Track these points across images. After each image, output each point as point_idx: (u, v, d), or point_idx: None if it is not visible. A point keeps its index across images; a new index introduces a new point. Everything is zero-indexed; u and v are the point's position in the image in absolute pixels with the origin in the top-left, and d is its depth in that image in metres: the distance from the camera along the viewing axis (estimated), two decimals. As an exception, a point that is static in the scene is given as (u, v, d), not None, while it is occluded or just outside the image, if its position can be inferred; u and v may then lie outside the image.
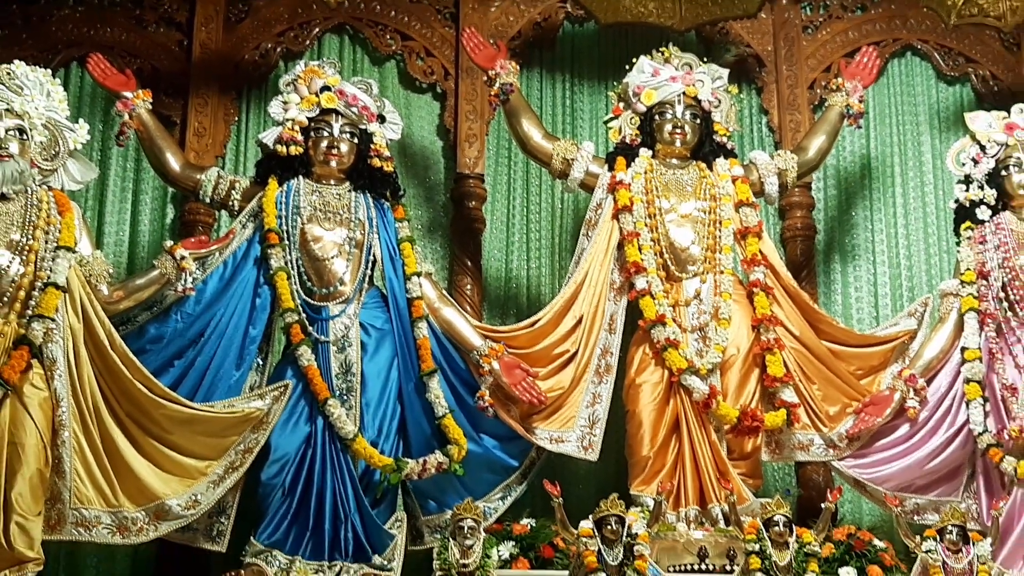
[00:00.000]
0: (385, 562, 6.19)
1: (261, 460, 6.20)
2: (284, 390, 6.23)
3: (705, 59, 7.29)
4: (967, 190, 7.09)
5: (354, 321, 6.48)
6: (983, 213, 7.02)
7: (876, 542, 6.52)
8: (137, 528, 5.92)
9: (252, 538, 6.17)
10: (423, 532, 6.53)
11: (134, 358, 6.00)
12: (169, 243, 6.31)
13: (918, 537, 5.85)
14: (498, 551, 6.09)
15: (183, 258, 6.20)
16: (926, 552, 5.74)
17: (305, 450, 6.25)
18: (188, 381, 6.20)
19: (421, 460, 6.37)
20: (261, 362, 6.46)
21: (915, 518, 6.62)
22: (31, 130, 6.11)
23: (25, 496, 5.65)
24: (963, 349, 6.83)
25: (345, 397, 6.35)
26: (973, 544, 5.74)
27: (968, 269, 6.94)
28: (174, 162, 6.76)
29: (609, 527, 5.56)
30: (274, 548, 6.13)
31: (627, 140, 7.07)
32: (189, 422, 6.05)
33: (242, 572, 6.09)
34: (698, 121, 7.05)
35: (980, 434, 6.65)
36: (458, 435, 6.43)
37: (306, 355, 6.31)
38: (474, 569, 5.51)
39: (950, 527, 5.76)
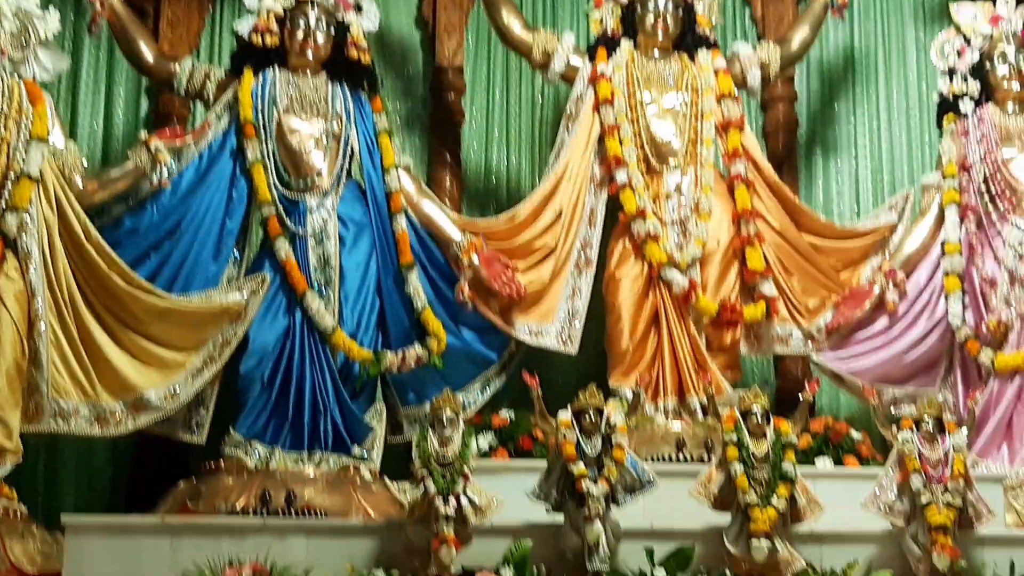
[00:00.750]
0: (364, 453, 6.26)
1: (240, 353, 6.20)
2: (262, 283, 6.21)
3: (688, -52, 7.18)
4: (951, 83, 7.04)
5: (332, 214, 6.45)
6: (966, 106, 6.98)
7: (853, 433, 6.59)
8: (115, 420, 5.94)
9: (231, 429, 6.21)
10: (402, 424, 6.58)
11: (110, 250, 5.97)
12: (143, 135, 6.24)
13: (894, 428, 5.86)
14: (477, 442, 6.12)
15: (158, 150, 6.13)
16: (902, 442, 5.73)
17: (284, 343, 6.26)
18: (165, 273, 6.18)
19: (400, 353, 6.40)
20: (238, 255, 6.44)
21: (892, 409, 6.63)
22: (0, 19, 5.99)
23: (2, 388, 5.65)
24: (943, 242, 6.84)
25: (323, 290, 6.35)
26: (949, 435, 5.74)
27: (950, 162, 6.91)
28: (147, 53, 6.65)
29: (588, 418, 5.56)
30: (253, 439, 6.18)
31: (609, 32, 6.97)
32: (166, 314, 6.05)
33: (221, 463, 6.13)
34: (680, 12, 6.93)
35: (958, 327, 6.70)
36: (437, 328, 6.46)
37: (284, 248, 6.30)
38: (453, 460, 5.47)
39: (926, 418, 5.75)
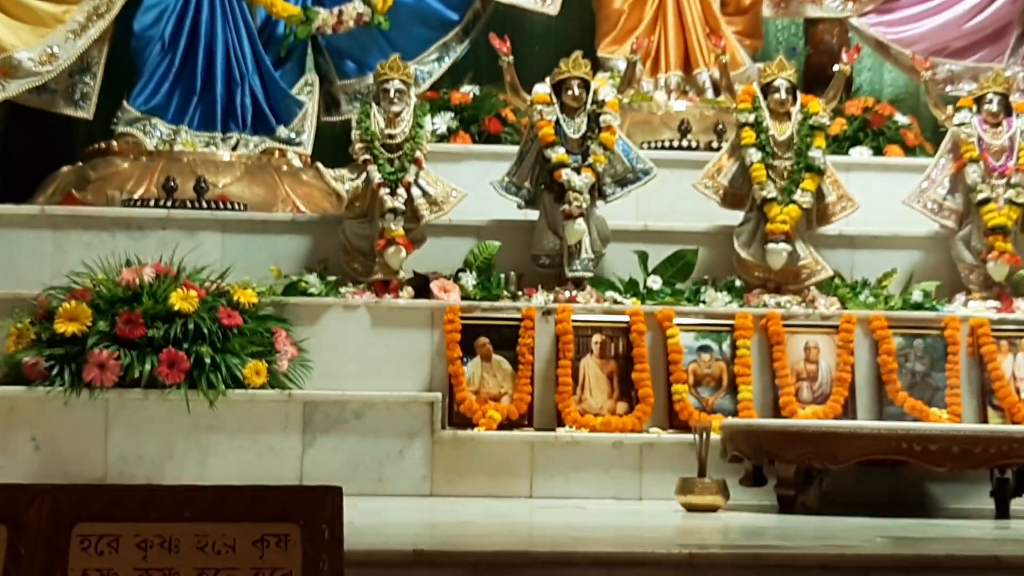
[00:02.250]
0: (292, 134, 6.20)
1: (133, 7, 6.07)
2: (158, -86, 5.96)
3: None
4: None
5: None
6: None
7: (898, 117, 6.55)
8: (-21, 88, 5.79)
9: (125, 103, 6.10)
10: (339, 100, 6.54)
11: None
12: None
13: (950, 108, 5.77)
14: (433, 122, 6.07)
15: None
16: (958, 125, 5.66)
17: (188, -6, 6.08)
18: (35, -99, 5.88)
19: (336, 10, 6.27)
20: None
21: (948, 88, 6.61)
22: None
23: None
24: None
25: (238, -74, 6.12)
26: (1017, 117, 5.67)
27: None
28: None
29: (571, 92, 5.50)
30: (153, 115, 6.10)
31: None
32: (38, -46, 5.81)
33: (114, 144, 6.03)
34: None
35: (1036, -15, 6.49)
36: (383, -19, 6.25)
37: None
38: (402, 142, 5.42)
39: (990, 95, 5.67)
